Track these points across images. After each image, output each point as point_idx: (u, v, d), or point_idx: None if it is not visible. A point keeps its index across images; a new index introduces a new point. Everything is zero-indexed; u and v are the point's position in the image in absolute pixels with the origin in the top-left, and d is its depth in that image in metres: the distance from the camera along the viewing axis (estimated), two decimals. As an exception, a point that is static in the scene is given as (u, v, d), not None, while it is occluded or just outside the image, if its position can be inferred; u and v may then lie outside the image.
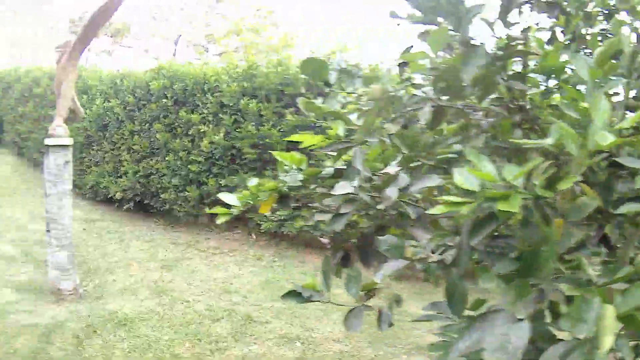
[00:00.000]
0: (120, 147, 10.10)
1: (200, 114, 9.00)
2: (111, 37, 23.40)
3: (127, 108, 9.89)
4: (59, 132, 7.34)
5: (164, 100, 9.28)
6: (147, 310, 6.72)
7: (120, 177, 10.07)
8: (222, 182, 8.79)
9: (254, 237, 9.27)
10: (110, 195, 10.41)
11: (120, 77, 10.45)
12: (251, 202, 2.01)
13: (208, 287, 7.62)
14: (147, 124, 9.61)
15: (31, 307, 7.18)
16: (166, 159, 9.34)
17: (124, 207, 10.21)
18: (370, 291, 1.97)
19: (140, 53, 28.75)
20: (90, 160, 10.74)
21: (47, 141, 7.36)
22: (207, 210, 9.00)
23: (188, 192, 9.09)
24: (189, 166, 9.09)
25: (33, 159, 13.15)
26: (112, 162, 10.38)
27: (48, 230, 7.42)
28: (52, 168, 7.34)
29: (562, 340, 1.24)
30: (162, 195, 9.59)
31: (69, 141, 7.41)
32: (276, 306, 6.69)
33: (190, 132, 9.09)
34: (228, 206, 2.00)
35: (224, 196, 2.06)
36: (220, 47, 23.59)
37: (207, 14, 24.57)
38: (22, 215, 10.23)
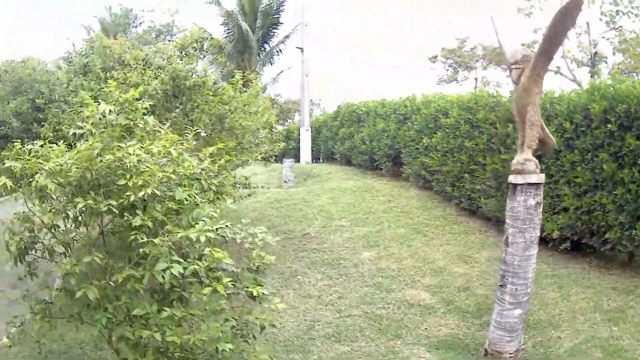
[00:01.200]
0: (558, 180, 12.11)
1: (649, 140, 10.47)
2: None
3: (565, 135, 11.87)
4: (529, 168, 8.69)
5: (608, 125, 10.96)
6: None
7: (558, 213, 12.10)
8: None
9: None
10: (547, 235, 12.26)
11: (548, 101, 12.58)
12: None
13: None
14: (589, 153, 11.41)
15: (456, 373, 8.78)
16: (613, 192, 10.92)
17: (561, 247, 12.22)
18: None
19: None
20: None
21: (514, 179, 8.74)
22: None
23: (636, 230, 10.48)
24: (639, 201, 10.54)
25: (443, 193, 16.99)
26: (547, 196, 11.98)
27: (502, 285, 8.84)
28: (520, 212, 8.69)
29: None
30: (606, 234, 11.20)
31: (541, 178, 8.80)
32: None
33: (639, 162, 10.54)
34: None
35: None
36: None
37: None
38: (438, 256, 13.18)
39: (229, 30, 38.15)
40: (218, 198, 10.54)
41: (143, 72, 13.15)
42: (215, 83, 13.60)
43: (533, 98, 8.61)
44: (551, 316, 10.02)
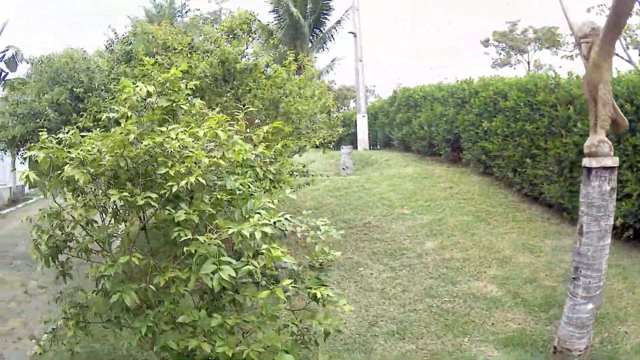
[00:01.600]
0: (621, 165, 10.86)
1: None
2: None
3: (627, 117, 10.47)
4: (604, 150, 7.88)
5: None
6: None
7: (620, 199, 11.02)
8: None
9: None
10: None
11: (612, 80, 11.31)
12: None
13: None
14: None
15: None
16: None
17: (624, 236, 11.36)
18: None
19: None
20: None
21: (588, 162, 7.93)
22: None
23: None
24: None
25: (504, 179, 15.82)
26: None
27: (575, 278, 8.09)
28: (594, 198, 7.88)
29: None
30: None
31: (615, 161, 7.96)
32: None
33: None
34: None
35: None
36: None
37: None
38: (503, 245, 12.16)
39: (279, 17, 36.82)
40: (275, 187, 9.74)
41: (189, 56, 12.16)
42: (267, 65, 12.63)
43: (604, 75, 7.83)
44: (617, 309, 9.31)
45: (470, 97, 17.53)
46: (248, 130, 11.25)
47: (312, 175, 13.69)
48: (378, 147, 29.18)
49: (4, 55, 22.14)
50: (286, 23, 36.09)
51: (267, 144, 7.17)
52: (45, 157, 5.59)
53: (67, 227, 5.99)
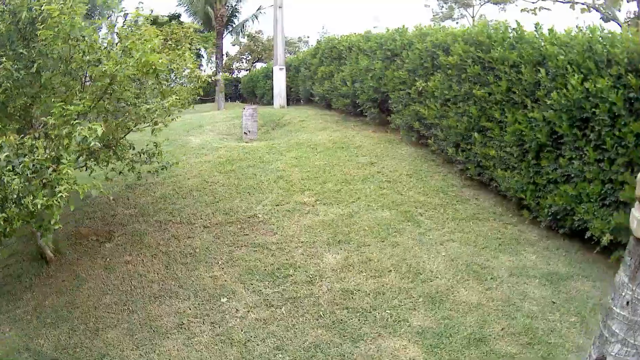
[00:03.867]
0: (615, 160, 7.62)
1: None
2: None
3: (629, 94, 7.36)
4: None
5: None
6: None
7: (609, 205, 7.82)
8: None
9: None
10: (592, 234, 7.99)
11: (602, 40, 7.96)
12: None
13: None
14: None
15: None
16: None
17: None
18: None
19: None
20: (555, 171, 8.58)
21: None
22: None
23: None
24: None
25: (444, 153, 11.78)
26: (597, 180, 7.98)
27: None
28: None
29: None
30: None
31: None
32: None
33: None
34: None
35: None
36: None
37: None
38: (437, 266, 8.08)
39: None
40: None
41: None
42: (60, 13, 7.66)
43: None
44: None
45: (402, 50, 13.41)
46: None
47: (158, 162, 9.21)
48: (301, 102, 24.83)
49: None
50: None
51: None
52: None
53: None
